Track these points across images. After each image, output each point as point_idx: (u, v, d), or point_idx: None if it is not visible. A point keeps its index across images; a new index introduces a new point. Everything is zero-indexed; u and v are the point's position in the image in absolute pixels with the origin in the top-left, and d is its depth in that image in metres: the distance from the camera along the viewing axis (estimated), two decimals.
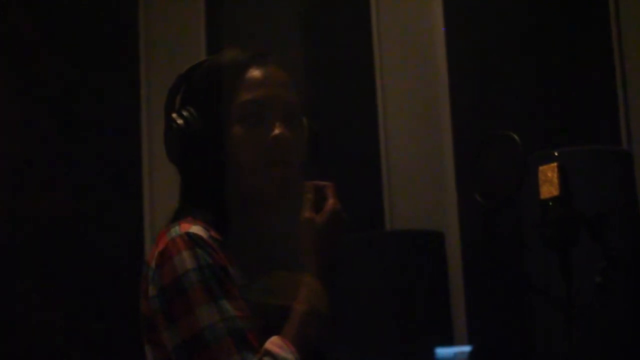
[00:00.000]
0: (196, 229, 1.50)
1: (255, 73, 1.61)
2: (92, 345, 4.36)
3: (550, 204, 2.34)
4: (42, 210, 4.51)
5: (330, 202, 1.53)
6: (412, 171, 4.41)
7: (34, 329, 4.35)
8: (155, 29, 4.70)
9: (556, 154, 3.10)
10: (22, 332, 4.34)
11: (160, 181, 4.44)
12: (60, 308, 4.38)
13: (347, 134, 4.50)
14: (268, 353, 1.42)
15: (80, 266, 4.43)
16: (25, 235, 4.47)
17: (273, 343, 1.43)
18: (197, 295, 1.44)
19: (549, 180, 2.35)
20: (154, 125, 4.51)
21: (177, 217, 1.57)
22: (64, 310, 4.39)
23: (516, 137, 2.24)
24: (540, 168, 2.38)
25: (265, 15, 4.68)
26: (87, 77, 4.64)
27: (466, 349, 3.91)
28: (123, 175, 4.59)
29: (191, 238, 1.48)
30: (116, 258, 4.39)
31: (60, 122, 4.60)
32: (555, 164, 2.36)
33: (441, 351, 3.83)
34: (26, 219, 4.49)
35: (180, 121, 1.58)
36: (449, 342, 4.02)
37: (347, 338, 3.72)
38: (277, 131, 1.56)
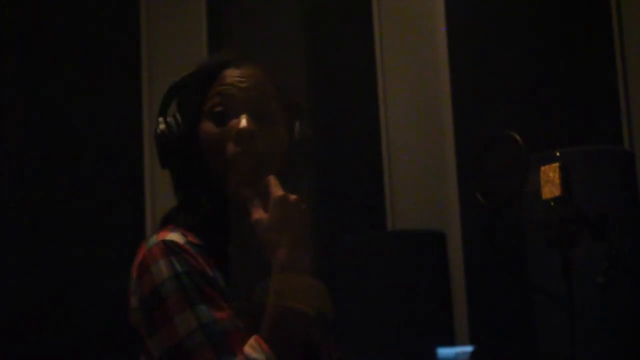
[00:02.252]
0: (173, 236, 1.50)
1: (227, 73, 1.62)
2: (92, 346, 4.36)
3: (552, 204, 2.33)
4: (41, 210, 4.51)
5: (273, 193, 1.49)
6: (413, 171, 4.41)
7: (33, 329, 4.35)
8: (156, 29, 4.70)
9: (558, 154, 3.10)
10: (22, 331, 4.34)
11: (162, 182, 4.44)
12: (59, 308, 4.38)
13: (349, 135, 4.50)
14: (244, 355, 1.42)
15: (81, 266, 4.43)
16: (24, 236, 4.47)
17: (248, 344, 1.43)
18: (174, 304, 1.44)
19: (550, 180, 2.35)
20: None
21: (162, 224, 1.58)
22: (63, 310, 4.38)
23: (518, 137, 2.24)
24: (542, 168, 2.37)
25: (267, 17, 4.68)
26: (89, 77, 4.64)
27: (468, 349, 3.91)
28: (125, 176, 4.59)
29: (167, 245, 1.48)
30: (117, 258, 4.39)
31: (61, 123, 4.60)
32: (557, 164, 2.35)
33: (443, 351, 3.83)
34: (25, 219, 4.49)
35: (162, 126, 1.60)
36: (451, 342, 4.02)
37: (348, 338, 3.72)
38: (241, 125, 1.55)
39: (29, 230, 4.48)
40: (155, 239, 1.51)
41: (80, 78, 4.63)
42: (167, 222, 1.57)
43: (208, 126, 1.58)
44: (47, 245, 4.46)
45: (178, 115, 1.61)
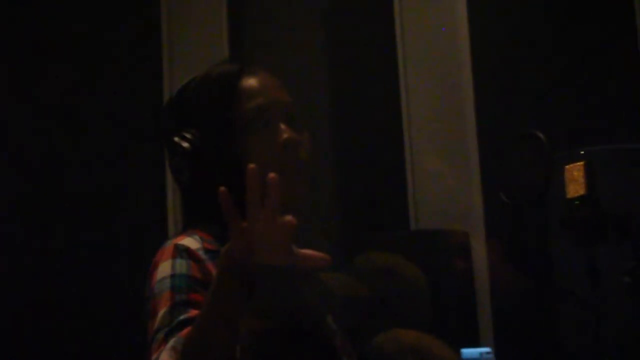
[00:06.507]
0: (187, 241, 1.55)
1: (251, 81, 1.61)
2: (97, 348, 4.36)
3: (577, 203, 2.31)
4: (52, 213, 4.52)
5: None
6: (437, 170, 4.39)
7: (36, 331, 4.35)
8: (177, 28, 4.71)
9: (582, 152, 3.08)
10: (24, 334, 4.35)
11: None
12: (65, 310, 4.38)
13: (371, 133, 4.49)
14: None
15: (96, 269, 4.44)
16: (27, 237, 4.47)
17: (169, 346, 1.41)
18: (161, 300, 1.49)
19: (575, 179, 2.33)
20: None
21: (183, 228, 1.64)
22: (67, 313, 4.39)
23: (542, 135, 2.22)
24: (567, 167, 2.36)
25: (287, 15, 4.67)
26: (110, 77, 4.65)
27: (491, 349, 3.89)
28: (146, 177, 4.59)
29: (177, 249, 1.53)
30: (138, 261, 4.38)
31: (81, 124, 4.61)
32: (581, 163, 2.33)
33: (467, 351, 3.81)
34: (30, 220, 4.49)
35: (185, 144, 1.59)
36: (475, 342, 4.00)
37: (369, 338, 3.71)
38: (285, 135, 1.56)
39: (31, 233, 4.47)
40: (171, 241, 1.56)
41: (101, 78, 4.64)
42: (188, 226, 1.62)
43: (245, 137, 1.57)
44: (52, 250, 4.45)
45: (194, 130, 1.59)
